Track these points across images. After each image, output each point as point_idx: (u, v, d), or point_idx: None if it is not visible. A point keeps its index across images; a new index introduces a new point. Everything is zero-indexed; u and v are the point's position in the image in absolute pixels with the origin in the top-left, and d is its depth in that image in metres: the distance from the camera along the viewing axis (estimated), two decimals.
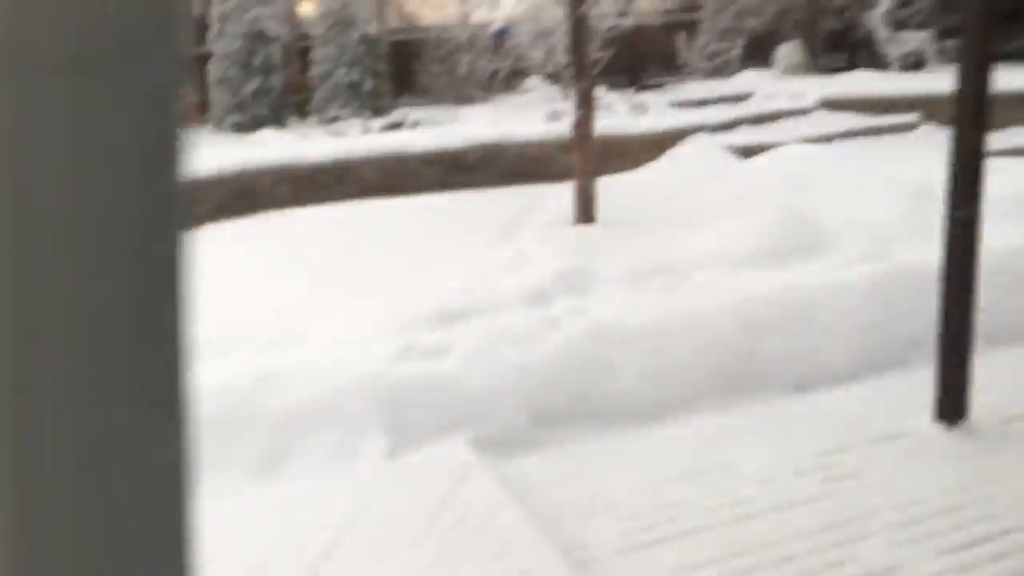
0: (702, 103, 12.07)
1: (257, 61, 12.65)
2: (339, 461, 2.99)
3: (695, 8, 15.88)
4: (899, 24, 15.03)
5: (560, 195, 7.32)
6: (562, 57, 13.56)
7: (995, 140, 9.10)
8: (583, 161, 6.34)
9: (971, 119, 2.73)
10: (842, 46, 16.36)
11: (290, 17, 15.86)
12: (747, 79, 13.87)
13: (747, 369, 3.52)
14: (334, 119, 12.69)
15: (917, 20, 15.07)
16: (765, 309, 3.79)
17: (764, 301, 3.84)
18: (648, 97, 11.89)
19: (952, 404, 2.97)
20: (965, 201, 2.78)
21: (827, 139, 9.24)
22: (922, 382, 3.16)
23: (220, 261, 6.06)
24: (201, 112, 14.16)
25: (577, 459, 3.06)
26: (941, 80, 9.98)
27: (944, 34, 14.12)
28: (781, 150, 8.18)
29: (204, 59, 13.92)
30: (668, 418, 3.32)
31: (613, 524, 2.58)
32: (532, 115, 10.43)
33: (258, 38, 12.69)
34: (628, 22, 14.89)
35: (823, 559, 2.31)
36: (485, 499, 2.69)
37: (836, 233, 4.97)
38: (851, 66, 15.85)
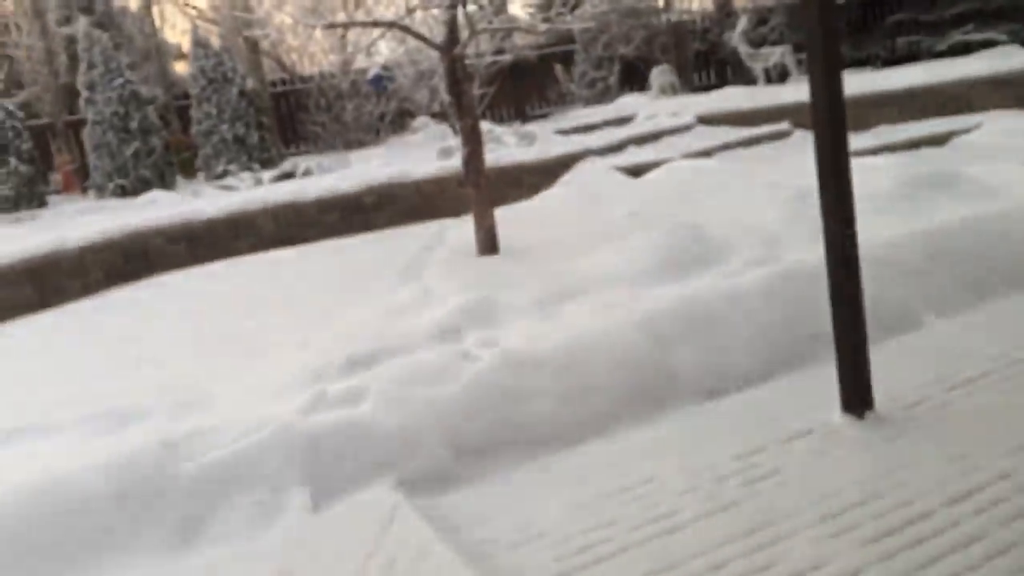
0: (587, 128, 12.40)
1: (134, 124, 12.27)
2: (261, 520, 2.87)
3: (569, 40, 16.38)
4: (759, 41, 15.93)
5: (460, 229, 7.35)
6: (445, 96, 13.73)
7: (863, 140, 9.67)
8: (478, 194, 6.39)
9: (827, 124, 2.90)
10: (709, 65, 17.20)
11: (163, 77, 15.47)
12: (626, 103, 14.37)
13: (659, 381, 3.59)
14: (223, 174, 12.42)
15: (774, 37, 16.02)
16: (669, 321, 3.88)
17: (667, 313, 3.94)
18: (534, 127, 12.12)
19: (857, 396, 3.10)
20: (836, 201, 2.93)
21: (707, 153, 9.63)
22: (827, 376, 3.29)
23: (117, 329, 5.79)
24: (82, 179, 13.58)
25: (504, 489, 3.04)
26: (806, 90, 10.58)
27: (799, 47, 15.04)
28: (667, 166, 8.47)
29: (78, 126, 13.40)
30: (589, 438, 3.34)
31: (546, 550, 2.57)
32: (423, 154, 10.46)
33: (131, 101, 12.32)
34: (506, 58, 15.25)
35: (752, 563, 2.35)
36: (415, 540, 2.63)
37: (727, 241, 5.15)
38: (720, 83, 16.68)
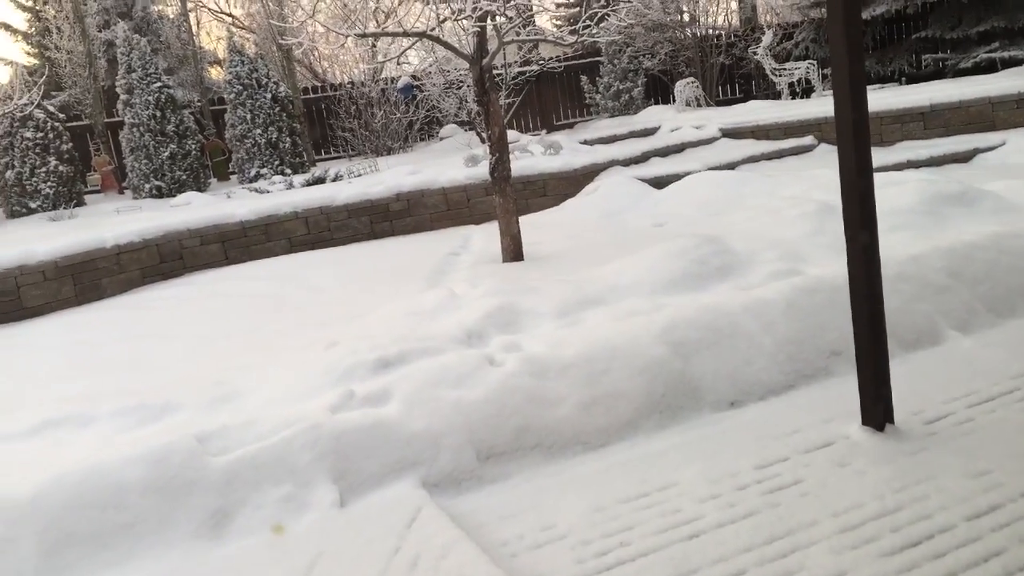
0: (612, 139, 12.47)
1: (170, 127, 12.54)
2: (289, 514, 2.96)
3: (595, 52, 16.48)
4: (784, 56, 15.93)
5: (486, 235, 7.44)
6: (473, 105, 13.87)
7: (887, 155, 9.68)
8: (504, 201, 6.48)
9: (851, 139, 2.93)
10: (734, 79, 17.22)
11: (199, 82, 15.77)
12: (651, 115, 14.44)
13: (680, 390, 3.64)
14: (255, 178, 12.64)
15: (799, 52, 16.02)
16: (691, 330, 3.92)
17: (689, 323, 3.98)
18: (560, 137, 12.19)
19: (877, 410, 3.13)
20: (860, 215, 2.97)
21: (731, 166, 9.67)
22: (847, 390, 3.33)
23: (151, 326, 5.93)
24: (120, 179, 13.88)
25: (526, 491, 3.10)
26: (830, 104, 10.59)
27: (824, 62, 15.03)
28: (691, 178, 8.51)
29: (116, 128, 13.69)
30: (610, 444, 3.40)
31: (566, 553, 2.62)
32: (450, 161, 10.58)
33: (168, 104, 12.59)
34: (533, 69, 15.36)
35: (771, 571, 2.37)
36: (439, 538, 2.70)
37: (749, 253, 5.18)
38: (745, 97, 16.70)
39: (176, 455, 3.04)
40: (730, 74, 17.16)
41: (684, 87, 15.07)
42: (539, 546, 2.68)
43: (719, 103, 16.38)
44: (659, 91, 17.04)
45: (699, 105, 15.20)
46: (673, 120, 12.84)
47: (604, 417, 3.50)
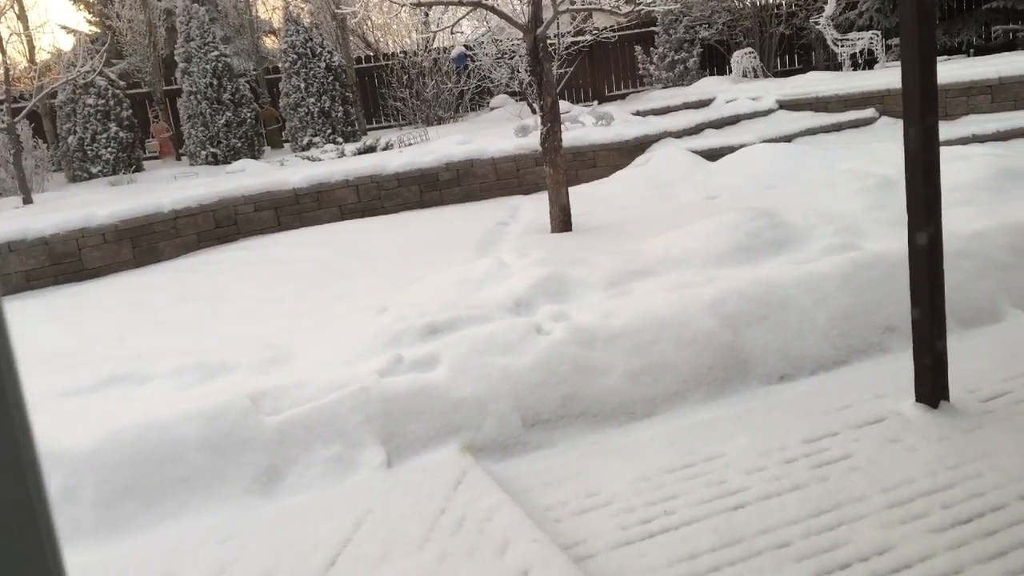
0: (665, 110, 12.28)
1: (226, 95, 12.74)
2: (337, 474, 3.02)
3: (650, 22, 16.18)
4: (846, 26, 15.44)
5: (535, 206, 7.42)
6: (524, 75, 13.78)
7: (952, 129, 9.38)
8: (554, 172, 6.44)
9: (918, 112, 2.84)
10: (793, 49, 16.76)
11: (255, 52, 15.95)
12: (706, 86, 14.15)
13: (729, 363, 3.60)
14: (308, 146, 12.80)
15: (862, 22, 15.51)
16: (742, 303, 3.88)
17: (740, 296, 3.93)
18: (612, 108, 12.05)
19: (932, 387, 3.06)
20: (923, 191, 2.88)
21: (788, 138, 9.45)
22: (901, 367, 3.26)
23: (206, 289, 6.08)
24: (177, 146, 14.19)
25: (571, 458, 3.11)
26: (893, 75, 10.26)
27: (889, 33, 14.53)
28: (746, 150, 8.35)
29: (174, 95, 13.96)
30: (657, 414, 3.39)
31: (610, 519, 2.63)
32: (501, 131, 10.54)
33: (224, 73, 12.77)
34: (587, 39, 15.21)
35: (817, 543, 2.36)
36: (484, 501, 2.73)
37: (805, 227, 5.08)
38: (804, 68, 16.26)
39: (230, 413, 3.12)
40: (789, 44, 16.71)
41: (741, 58, 14.73)
42: (583, 512, 2.69)
43: (777, 74, 15.99)
44: (715, 62, 16.70)
45: (756, 76, 14.86)
46: (729, 91, 12.58)
47: (651, 387, 3.49)
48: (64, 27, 19.18)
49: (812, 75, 13.51)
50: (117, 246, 7.49)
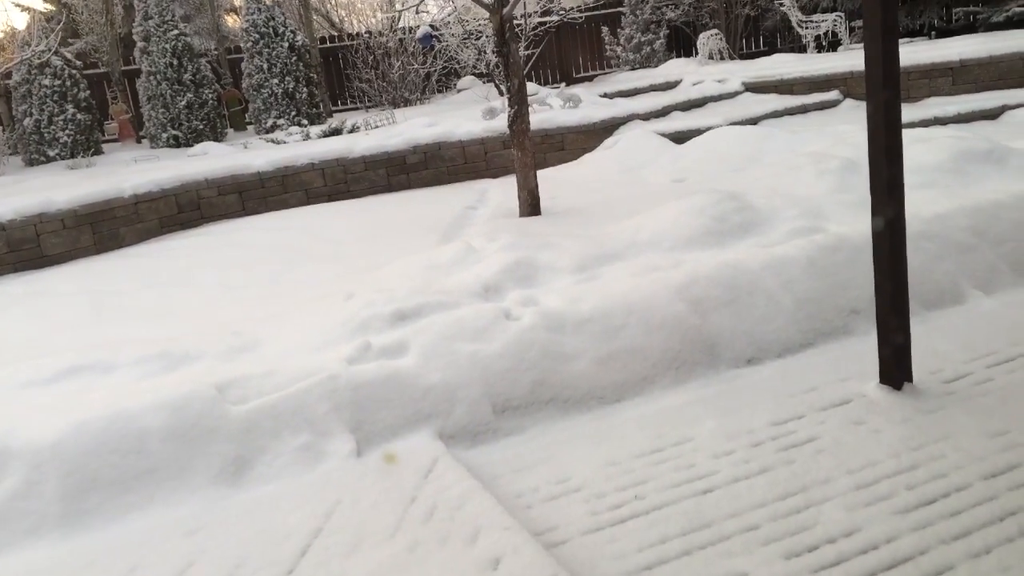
0: (633, 93, 12.28)
1: (187, 76, 12.47)
2: (307, 463, 3.00)
3: (617, 3, 16.14)
4: (811, 8, 15.54)
5: (503, 189, 7.39)
6: (492, 56, 13.68)
7: (914, 111, 9.48)
8: (522, 155, 6.42)
9: (881, 93, 2.86)
10: (759, 31, 16.85)
11: (216, 31, 15.62)
12: (673, 68, 14.18)
13: (697, 346, 3.63)
14: (272, 128, 12.59)
15: (826, 3, 15.62)
16: (709, 287, 3.90)
17: (707, 279, 3.95)
18: (579, 90, 12.02)
19: (896, 369, 3.11)
20: (886, 173, 2.91)
21: (754, 120, 9.51)
22: (866, 349, 3.31)
23: (169, 275, 5.98)
24: (137, 128, 13.87)
25: (541, 444, 3.12)
26: (857, 58, 10.35)
27: (852, 15, 14.66)
28: (713, 133, 8.39)
29: (133, 76, 13.63)
30: (626, 399, 3.41)
31: (580, 505, 2.65)
32: (468, 113, 10.47)
33: (185, 53, 12.50)
34: (553, 19, 15.10)
35: (785, 526, 2.39)
36: (454, 489, 2.73)
37: (770, 210, 5.12)
38: (770, 50, 16.35)
39: (196, 403, 3.08)
40: (755, 26, 16.79)
41: (707, 39, 14.77)
42: (554, 498, 2.71)
43: (743, 56, 16.07)
44: (682, 43, 16.73)
45: (722, 58, 14.92)
46: (695, 74, 12.62)
47: (620, 372, 3.51)
48: (18, 4, 18.62)
49: (777, 57, 13.59)
50: (77, 232, 7.33)
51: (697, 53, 15.04)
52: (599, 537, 2.46)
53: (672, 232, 4.95)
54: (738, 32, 16.26)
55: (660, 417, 3.20)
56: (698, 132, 8.91)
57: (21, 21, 14.70)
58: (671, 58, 15.74)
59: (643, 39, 15.73)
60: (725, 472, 2.72)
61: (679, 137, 9.00)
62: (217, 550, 2.56)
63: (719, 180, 6.60)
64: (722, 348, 3.64)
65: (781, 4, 14.72)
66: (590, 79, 16.22)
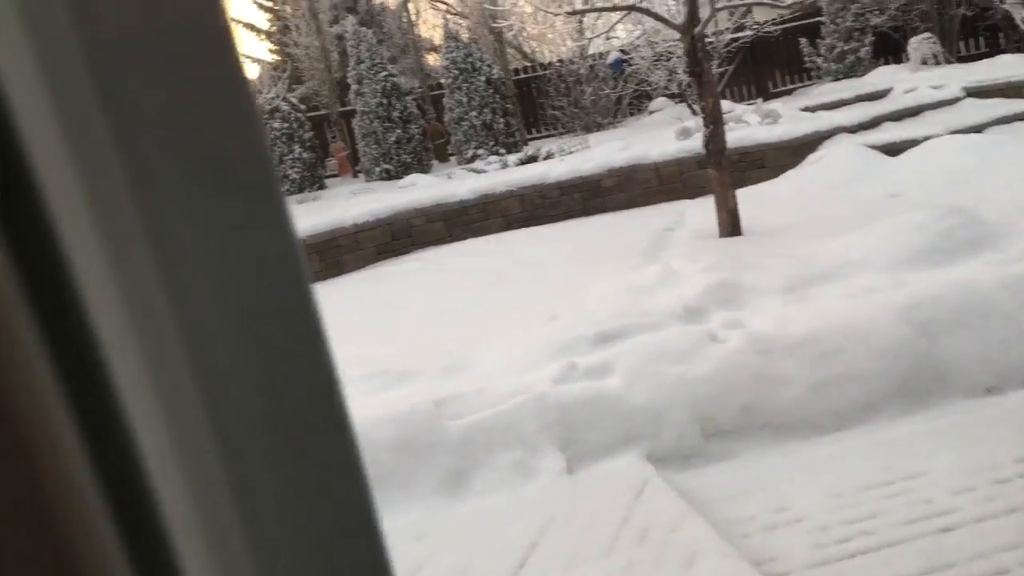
0: (837, 104, 11.67)
1: (396, 113, 13.37)
2: (520, 477, 3.10)
3: (815, 13, 15.43)
4: None
5: (701, 210, 7.28)
6: (683, 76, 13.54)
7: None
8: (720, 174, 6.29)
9: None
10: (977, 32, 15.44)
11: (419, 70, 16.64)
12: (881, 76, 13.32)
13: (926, 374, 3.38)
14: (472, 158, 13.20)
15: None
16: (937, 309, 3.63)
17: (935, 301, 3.68)
18: (777, 104, 11.60)
19: None
20: None
21: (978, 129, 8.73)
22: None
23: (386, 299, 6.42)
24: (354, 163, 15.07)
25: (755, 471, 3.03)
26: None
27: None
28: (931, 143, 7.80)
29: (349, 115, 14.84)
30: (846, 428, 3.23)
31: (803, 536, 2.54)
32: (661, 135, 10.41)
33: (393, 92, 13.41)
34: (747, 35, 14.71)
35: None
36: (667, 512, 2.71)
37: (1004, 225, 4.68)
38: (992, 52, 14.94)
39: (419, 417, 3.27)
40: (973, 27, 15.42)
41: (919, 44, 13.77)
42: (773, 527, 2.61)
43: (960, 60, 14.82)
44: (889, 50, 15.69)
45: (937, 63, 13.84)
46: (907, 81, 11.79)
47: (838, 400, 3.33)
48: (248, 56, 20.80)
49: (1001, 59, 12.40)
50: (307, 260, 8.03)
51: (908, 59, 14.06)
52: (825, 572, 2.35)
53: (888, 251, 4.64)
54: (954, 34, 15.01)
55: (888, 448, 3.00)
56: (913, 143, 8.30)
57: (253, 71, 16.39)
58: (878, 66, 14.80)
59: (846, 48, 14.93)
60: (967, 510, 2.50)
61: (891, 149, 8.43)
62: (443, 556, 2.70)
63: (941, 194, 6.12)
64: (955, 376, 3.36)
65: (1003, 1, 13.45)
66: (788, 93, 15.60)
